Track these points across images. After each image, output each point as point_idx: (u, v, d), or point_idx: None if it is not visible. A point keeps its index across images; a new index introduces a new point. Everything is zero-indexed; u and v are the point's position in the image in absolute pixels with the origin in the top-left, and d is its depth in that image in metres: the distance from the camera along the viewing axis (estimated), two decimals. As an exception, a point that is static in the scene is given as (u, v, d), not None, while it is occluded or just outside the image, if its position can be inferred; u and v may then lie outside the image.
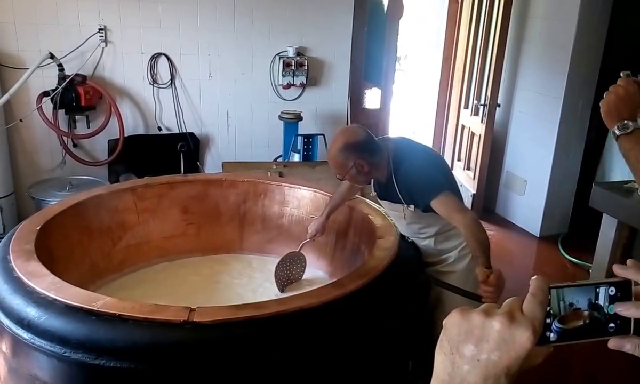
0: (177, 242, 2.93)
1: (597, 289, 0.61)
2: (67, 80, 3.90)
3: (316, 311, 1.66)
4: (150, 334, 1.54)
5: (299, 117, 4.43)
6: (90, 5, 4.04)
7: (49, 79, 3.97)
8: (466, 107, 5.13)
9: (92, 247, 2.59)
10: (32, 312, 1.63)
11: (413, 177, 2.11)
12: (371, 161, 2.13)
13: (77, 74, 3.99)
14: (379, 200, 2.42)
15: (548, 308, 0.60)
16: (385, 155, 2.17)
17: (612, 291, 0.61)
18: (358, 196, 2.71)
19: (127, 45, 4.22)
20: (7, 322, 1.68)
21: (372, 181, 2.31)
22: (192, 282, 2.72)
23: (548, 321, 0.59)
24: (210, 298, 2.54)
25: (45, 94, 3.94)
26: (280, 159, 4.49)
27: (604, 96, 1.33)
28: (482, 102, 4.68)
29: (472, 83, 5.01)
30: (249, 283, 2.73)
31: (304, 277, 2.73)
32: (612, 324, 0.61)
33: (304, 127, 4.56)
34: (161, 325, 1.55)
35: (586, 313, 0.61)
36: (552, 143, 4.40)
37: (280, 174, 3.86)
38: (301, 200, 2.93)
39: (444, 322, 0.61)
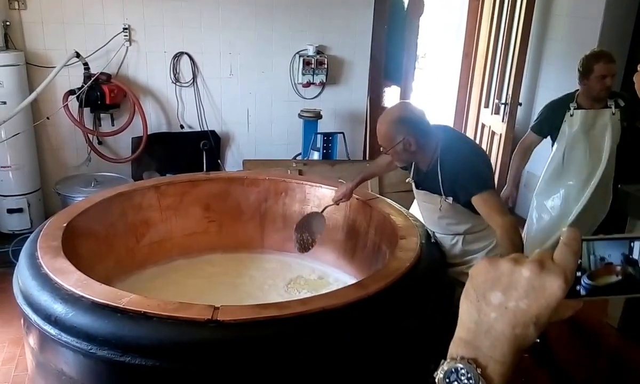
0: (198, 239, 2.96)
1: (632, 244, 0.58)
2: (93, 79, 3.96)
3: (339, 311, 1.66)
4: (175, 332, 1.56)
5: (318, 116, 4.44)
6: (115, 5, 4.10)
7: (74, 78, 4.04)
8: (486, 106, 5.08)
9: (116, 243, 2.64)
10: (59, 308, 1.66)
11: (460, 168, 2.06)
12: (420, 141, 2.08)
13: (102, 73, 4.04)
14: (414, 189, 2.36)
15: (579, 261, 0.57)
16: (433, 141, 2.12)
17: None
18: (379, 196, 2.70)
19: (151, 45, 4.27)
20: (35, 318, 1.71)
21: (412, 167, 2.27)
22: (213, 280, 2.75)
23: (578, 274, 0.57)
24: (232, 295, 2.57)
25: (71, 92, 4.01)
26: (299, 157, 4.51)
27: (638, 68, 1.15)
28: (503, 101, 4.62)
29: (492, 81, 4.95)
30: (267, 282, 2.75)
31: (330, 274, 2.75)
32: None
33: (324, 126, 4.56)
34: (185, 323, 1.57)
35: (619, 268, 0.58)
36: (575, 143, 4.33)
37: (300, 172, 3.88)
38: (322, 199, 2.93)
39: (470, 271, 0.60)
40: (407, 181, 2.38)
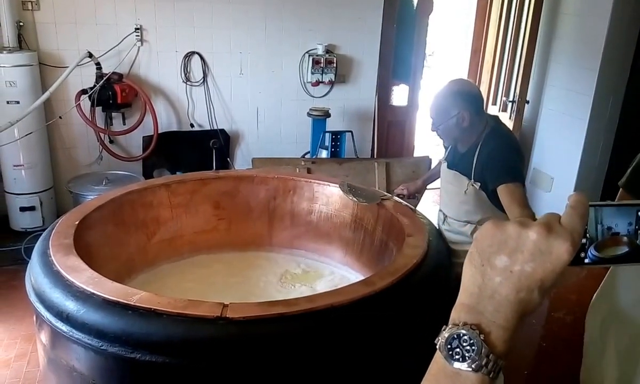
0: (208, 237, 2.98)
1: (639, 212, 0.56)
2: (105, 78, 4.00)
3: (346, 308, 1.67)
4: (184, 329, 1.57)
5: (327, 114, 4.45)
6: (127, 6, 4.14)
7: (87, 78, 4.09)
8: (494, 103, 5.07)
9: (128, 241, 2.66)
10: (70, 305, 1.67)
11: (497, 156, 2.07)
12: (473, 118, 2.10)
13: (114, 73, 4.09)
14: (443, 169, 2.38)
15: (585, 228, 0.55)
16: (483, 123, 2.15)
17: None
18: (387, 194, 2.71)
19: (162, 45, 4.31)
20: (47, 314, 1.72)
21: (449, 148, 2.30)
22: (222, 277, 2.77)
23: (583, 241, 0.55)
24: (240, 293, 2.59)
25: (84, 92, 4.05)
26: (308, 156, 4.52)
27: None
28: (511, 98, 4.62)
29: (500, 79, 4.94)
30: (274, 280, 2.78)
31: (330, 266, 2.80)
32: None
33: (332, 124, 4.58)
34: (195, 320, 1.58)
35: (626, 238, 0.56)
36: (581, 140, 4.32)
37: (309, 171, 3.89)
38: (330, 197, 2.95)
39: (474, 235, 0.58)
40: (440, 159, 2.41)
